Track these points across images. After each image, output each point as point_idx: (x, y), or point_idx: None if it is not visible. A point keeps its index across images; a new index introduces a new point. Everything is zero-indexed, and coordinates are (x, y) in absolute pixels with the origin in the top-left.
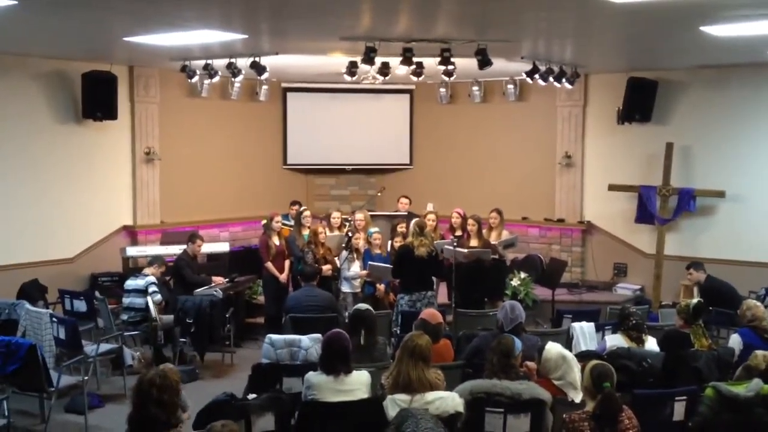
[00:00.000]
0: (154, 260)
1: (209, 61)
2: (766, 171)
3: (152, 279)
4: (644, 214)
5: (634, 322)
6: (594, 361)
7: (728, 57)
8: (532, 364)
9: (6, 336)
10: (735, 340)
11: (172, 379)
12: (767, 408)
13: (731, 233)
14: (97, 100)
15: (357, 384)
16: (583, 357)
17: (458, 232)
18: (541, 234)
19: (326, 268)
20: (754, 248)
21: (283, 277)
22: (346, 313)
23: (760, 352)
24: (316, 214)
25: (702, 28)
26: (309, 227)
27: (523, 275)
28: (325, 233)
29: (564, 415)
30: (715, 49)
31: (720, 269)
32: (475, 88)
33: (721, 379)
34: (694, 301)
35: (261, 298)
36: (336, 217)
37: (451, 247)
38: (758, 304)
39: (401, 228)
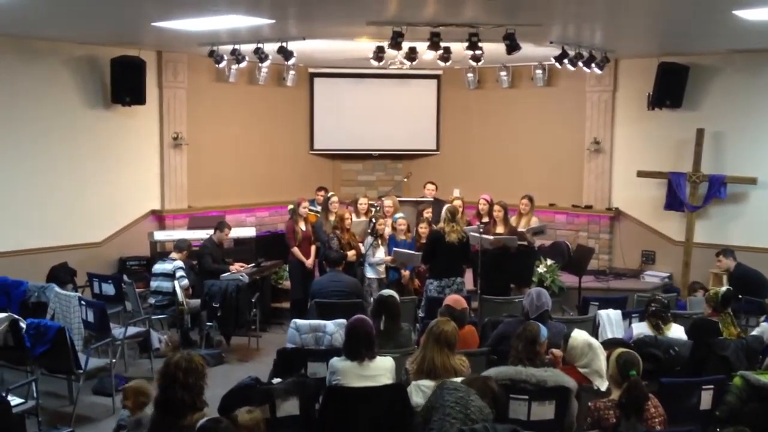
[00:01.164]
0: (180, 244)
1: (237, 47)
2: None
3: (180, 263)
4: (673, 201)
5: (654, 309)
6: (620, 349)
7: (761, 42)
8: (558, 352)
9: (35, 318)
10: (765, 329)
11: (198, 362)
12: None
13: (762, 220)
14: (125, 85)
15: (381, 370)
16: (610, 345)
17: (485, 219)
18: (569, 221)
19: (351, 254)
20: None
21: (309, 262)
22: (371, 299)
23: None
24: (342, 199)
25: (735, 12)
26: (336, 213)
27: (549, 262)
28: (352, 219)
29: (589, 403)
30: (747, 33)
31: (751, 257)
32: (503, 73)
33: (749, 368)
34: (723, 289)
35: (287, 283)
36: (363, 202)
37: (477, 234)
38: None
39: (427, 214)
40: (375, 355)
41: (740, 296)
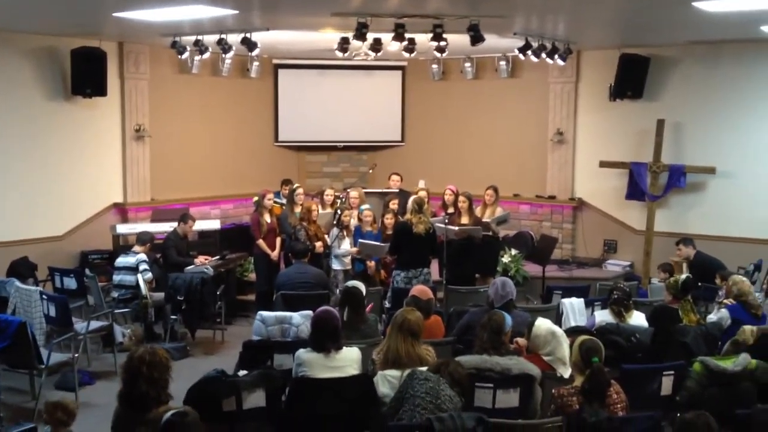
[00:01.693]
0: (142, 237)
1: (200, 37)
2: (757, 148)
3: (143, 257)
4: (635, 191)
5: (615, 296)
6: (582, 337)
7: (721, 33)
8: (522, 341)
9: None
10: (723, 315)
11: (162, 356)
12: (754, 382)
13: (721, 209)
14: (86, 76)
15: (348, 360)
16: (573, 333)
17: (450, 209)
18: (533, 211)
19: (318, 245)
20: (744, 224)
21: (274, 254)
22: (337, 291)
23: (748, 327)
24: (307, 191)
25: (694, 4)
26: (301, 204)
27: (513, 252)
28: (318, 211)
29: (553, 390)
30: (707, 24)
31: (709, 245)
32: (468, 64)
33: (708, 354)
34: (683, 276)
35: (252, 276)
36: (329, 194)
37: (442, 225)
38: (744, 279)
39: (393, 205)
40: (341, 346)
41: (699, 284)
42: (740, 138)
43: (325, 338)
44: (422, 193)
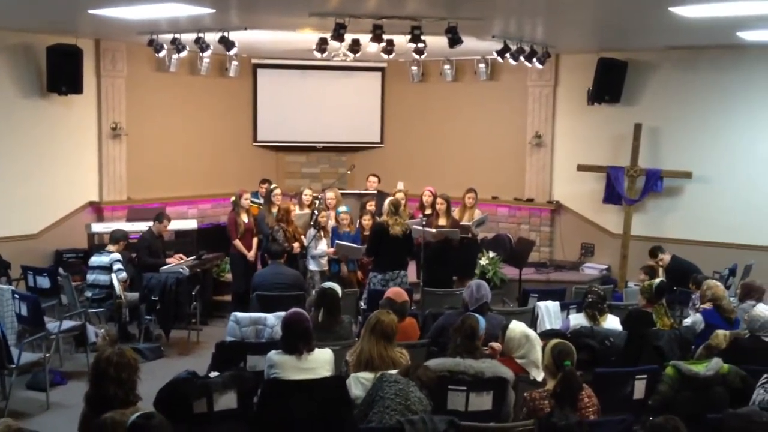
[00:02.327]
0: (115, 235)
1: (177, 36)
2: (733, 152)
3: (117, 256)
4: (612, 195)
5: (590, 300)
6: (555, 340)
7: (698, 38)
8: (497, 345)
9: None
10: (696, 320)
11: (130, 356)
12: (726, 387)
13: (697, 214)
14: (62, 73)
15: (320, 362)
16: (547, 336)
17: (428, 211)
18: (511, 213)
19: (295, 246)
20: (720, 229)
21: (251, 254)
22: (314, 292)
23: (720, 332)
24: (286, 191)
25: (671, 9)
26: (279, 205)
27: (491, 255)
28: (296, 211)
29: (525, 394)
30: (684, 29)
31: (685, 249)
32: (447, 66)
33: (682, 358)
34: (657, 281)
35: (229, 276)
36: (307, 194)
37: (419, 227)
38: (718, 283)
39: (370, 206)
40: (313, 347)
41: (675, 288)
42: (716, 143)
43: (296, 340)
44: (399, 195)
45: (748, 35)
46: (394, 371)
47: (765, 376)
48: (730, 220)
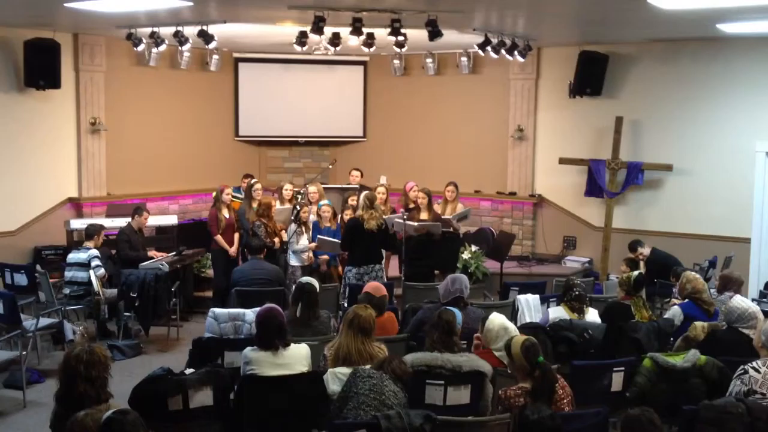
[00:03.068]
0: (89, 230)
1: (156, 29)
2: (713, 145)
3: (95, 252)
4: (593, 188)
5: (576, 293)
6: (518, 337)
7: (678, 31)
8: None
9: None
10: (675, 312)
11: (100, 354)
12: (703, 378)
13: (678, 206)
14: (39, 68)
15: (296, 357)
16: (527, 329)
17: (411, 205)
18: (493, 207)
19: (276, 242)
20: (700, 221)
21: (232, 250)
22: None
23: (699, 324)
24: (268, 186)
25: (650, 1)
26: (260, 200)
27: (474, 248)
28: (276, 206)
29: (500, 392)
30: (663, 22)
31: (666, 242)
32: (429, 60)
33: (660, 350)
34: (635, 273)
35: (210, 272)
36: (288, 189)
37: (401, 221)
38: (697, 276)
39: (352, 201)
40: (288, 342)
41: (655, 280)
42: (697, 135)
43: (271, 335)
44: (381, 189)
45: (728, 27)
46: (366, 366)
47: (741, 367)
48: (710, 212)
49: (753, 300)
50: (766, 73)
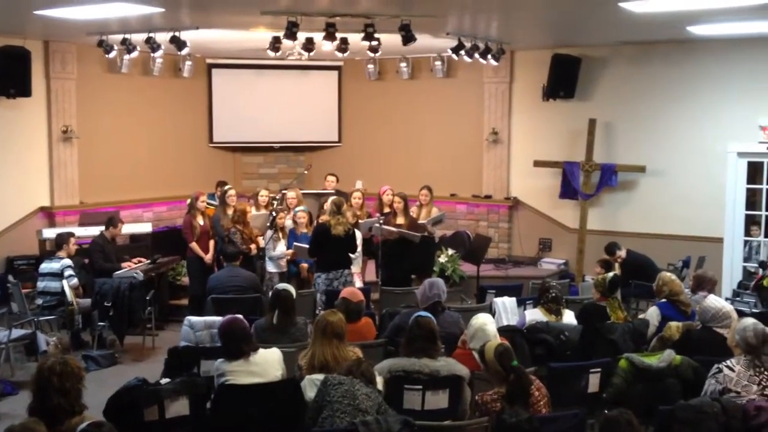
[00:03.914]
0: (59, 239)
1: (127, 36)
2: (685, 146)
3: (68, 262)
4: (568, 190)
5: (552, 295)
6: (491, 343)
7: (649, 34)
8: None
9: None
10: (653, 313)
11: (73, 365)
12: (679, 378)
13: (651, 207)
14: (10, 76)
15: (269, 362)
16: (504, 331)
17: (386, 210)
18: (469, 210)
19: (252, 248)
20: (673, 222)
21: (208, 257)
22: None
23: (674, 324)
24: (243, 192)
25: (620, 4)
26: (234, 206)
27: (450, 252)
28: (252, 212)
29: (476, 397)
30: (634, 25)
31: (640, 243)
32: (403, 64)
33: (636, 351)
34: (610, 275)
35: (185, 279)
36: (263, 195)
37: (378, 225)
38: (673, 278)
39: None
40: (257, 347)
41: (631, 281)
42: (669, 137)
43: (238, 343)
44: (357, 194)
45: (697, 30)
46: (334, 374)
47: (716, 366)
48: (683, 212)
49: (726, 299)
50: (736, 74)
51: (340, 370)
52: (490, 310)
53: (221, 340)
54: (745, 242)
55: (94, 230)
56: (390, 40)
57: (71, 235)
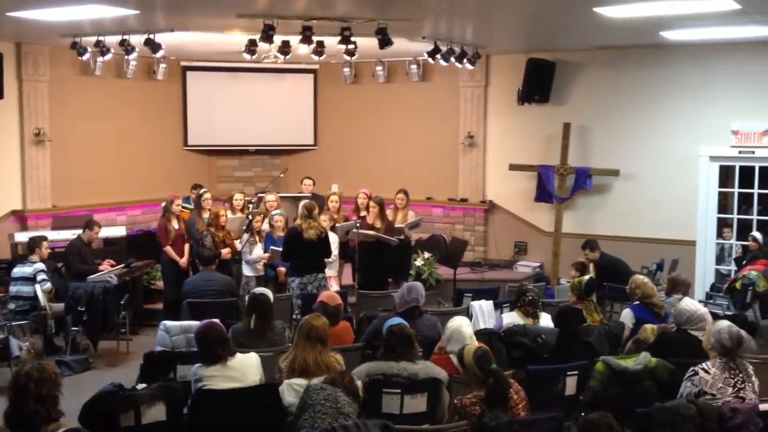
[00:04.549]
0: (31, 243)
1: (101, 38)
2: (658, 150)
3: (41, 266)
4: (543, 193)
5: (529, 298)
6: (469, 346)
7: (623, 38)
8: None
9: None
10: (627, 315)
11: (50, 371)
12: (655, 380)
13: (625, 211)
14: None
15: (247, 366)
16: (481, 335)
17: (363, 213)
18: (445, 214)
19: (225, 252)
20: (647, 225)
21: (182, 261)
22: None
23: (648, 326)
24: (219, 196)
25: (595, 9)
26: (209, 210)
27: (426, 255)
28: (227, 216)
29: (455, 400)
30: (609, 30)
31: (614, 246)
32: (379, 68)
33: (612, 353)
34: (586, 278)
35: (160, 283)
36: (238, 199)
37: (355, 230)
38: (646, 280)
39: None
40: (234, 351)
41: (605, 284)
42: (642, 141)
43: (215, 347)
44: (334, 197)
45: (670, 35)
46: (319, 380)
47: (692, 368)
48: (656, 215)
49: (699, 302)
50: (708, 78)
51: (325, 380)
52: (468, 314)
53: (198, 345)
54: (717, 245)
55: (67, 234)
56: (366, 43)
57: (44, 238)
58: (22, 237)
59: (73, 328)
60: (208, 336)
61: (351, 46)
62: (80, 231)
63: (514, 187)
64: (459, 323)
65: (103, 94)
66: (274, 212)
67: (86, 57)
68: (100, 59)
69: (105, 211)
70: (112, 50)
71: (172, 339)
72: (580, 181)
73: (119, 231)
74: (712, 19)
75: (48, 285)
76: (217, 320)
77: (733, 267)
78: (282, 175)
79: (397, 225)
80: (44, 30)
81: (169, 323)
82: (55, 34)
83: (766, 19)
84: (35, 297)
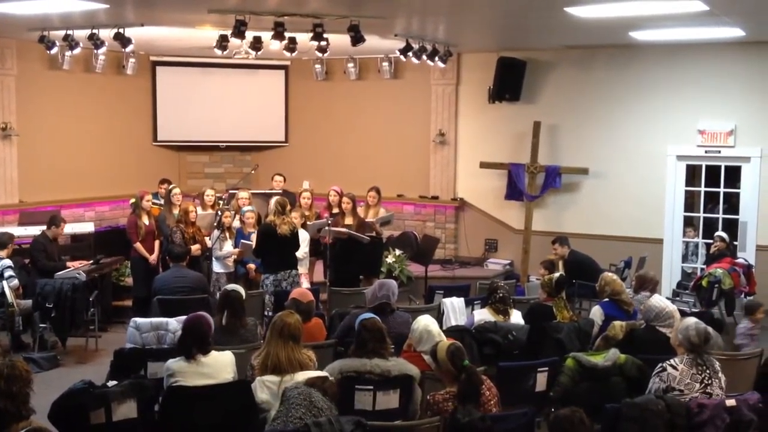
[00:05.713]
0: (0, 239)
1: (70, 32)
2: (626, 149)
3: (8, 262)
4: (513, 191)
5: (500, 295)
6: (443, 343)
7: (593, 38)
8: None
9: None
10: (596, 312)
11: (21, 368)
12: (624, 376)
13: (594, 209)
14: None
15: (220, 364)
16: (453, 332)
17: (335, 210)
18: (416, 211)
19: (195, 248)
20: (615, 223)
21: (152, 258)
22: (218, 294)
23: (617, 323)
24: (188, 192)
25: (566, 9)
26: (179, 206)
27: (398, 252)
28: (196, 212)
29: (428, 397)
30: (579, 29)
31: (583, 243)
32: (351, 65)
33: (581, 350)
34: (556, 275)
35: (129, 280)
36: (209, 195)
37: (327, 229)
38: (615, 278)
39: None
40: (209, 350)
41: (574, 281)
42: (611, 139)
43: (192, 343)
44: (306, 194)
45: (639, 35)
46: (295, 378)
47: (660, 365)
48: (624, 213)
49: (666, 299)
50: (676, 78)
51: (306, 382)
52: (439, 311)
53: (184, 334)
54: (684, 243)
55: (34, 230)
56: (338, 40)
57: (13, 237)
58: None
59: (41, 325)
60: (192, 331)
61: (323, 43)
62: (45, 227)
63: (484, 185)
64: (425, 323)
65: (71, 88)
66: (245, 209)
67: (54, 51)
68: (68, 53)
69: (72, 207)
70: (81, 44)
71: (143, 336)
72: (549, 179)
73: (87, 227)
74: (681, 20)
75: (15, 282)
76: (206, 314)
77: (700, 265)
78: (253, 172)
79: (369, 220)
80: (12, 23)
81: (139, 320)
82: (23, 28)
83: (733, 20)
84: (2, 294)
